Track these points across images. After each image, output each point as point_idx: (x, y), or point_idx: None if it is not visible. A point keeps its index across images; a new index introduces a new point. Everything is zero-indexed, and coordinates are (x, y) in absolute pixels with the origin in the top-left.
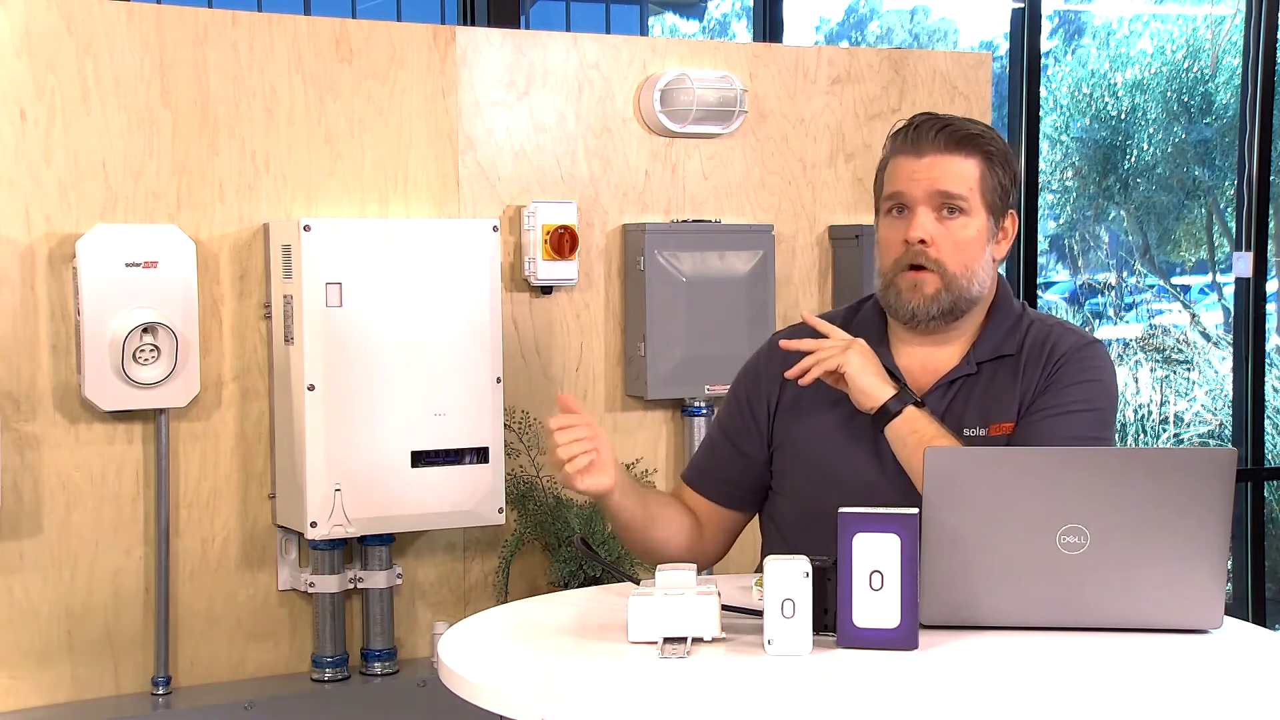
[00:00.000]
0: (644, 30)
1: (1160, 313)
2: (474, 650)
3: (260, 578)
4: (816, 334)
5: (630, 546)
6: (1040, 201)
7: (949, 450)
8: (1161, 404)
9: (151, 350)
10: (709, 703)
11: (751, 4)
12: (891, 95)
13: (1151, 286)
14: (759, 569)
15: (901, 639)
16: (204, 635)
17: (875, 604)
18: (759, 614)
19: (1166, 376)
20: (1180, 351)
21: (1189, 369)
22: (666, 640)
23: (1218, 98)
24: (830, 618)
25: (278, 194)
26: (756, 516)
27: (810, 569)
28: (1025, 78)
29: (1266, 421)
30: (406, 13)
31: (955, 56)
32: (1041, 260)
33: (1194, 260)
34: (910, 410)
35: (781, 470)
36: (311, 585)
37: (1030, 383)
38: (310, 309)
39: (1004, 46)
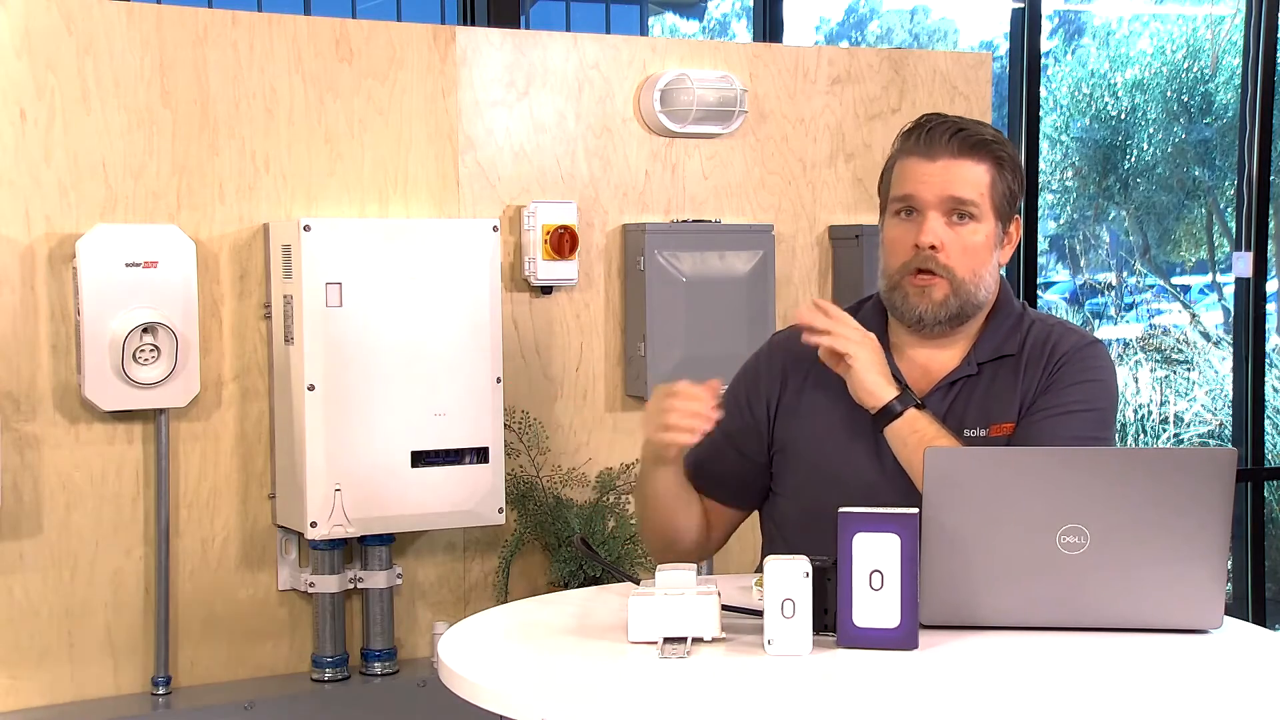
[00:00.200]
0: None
1: (1160, 313)
2: (474, 650)
3: (260, 578)
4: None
5: (648, 527)
6: (1040, 201)
7: (949, 450)
8: (1161, 404)
9: (151, 350)
10: (709, 703)
11: (751, 4)
12: (891, 95)
13: (1151, 286)
14: (759, 569)
15: (901, 639)
16: (204, 635)
17: (875, 604)
18: (759, 614)
19: (1166, 376)
20: (1180, 351)
21: (1189, 369)
22: (666, 640)
23: (1218, 98)
24: (830, 618)
25: (278, 194)
26: (757, 517)
27: (810, 569)
28: (1025, 78)
29: (1266, 421)
30: (406, 13)
31: (955, 56)
32: (1041, 260)
33: (1194, 260)
34: (911, 411)
35: (782, 470)
36: (311, 585)
37: (1031, 383)
38: (310, 309)
39: (1004, 46)
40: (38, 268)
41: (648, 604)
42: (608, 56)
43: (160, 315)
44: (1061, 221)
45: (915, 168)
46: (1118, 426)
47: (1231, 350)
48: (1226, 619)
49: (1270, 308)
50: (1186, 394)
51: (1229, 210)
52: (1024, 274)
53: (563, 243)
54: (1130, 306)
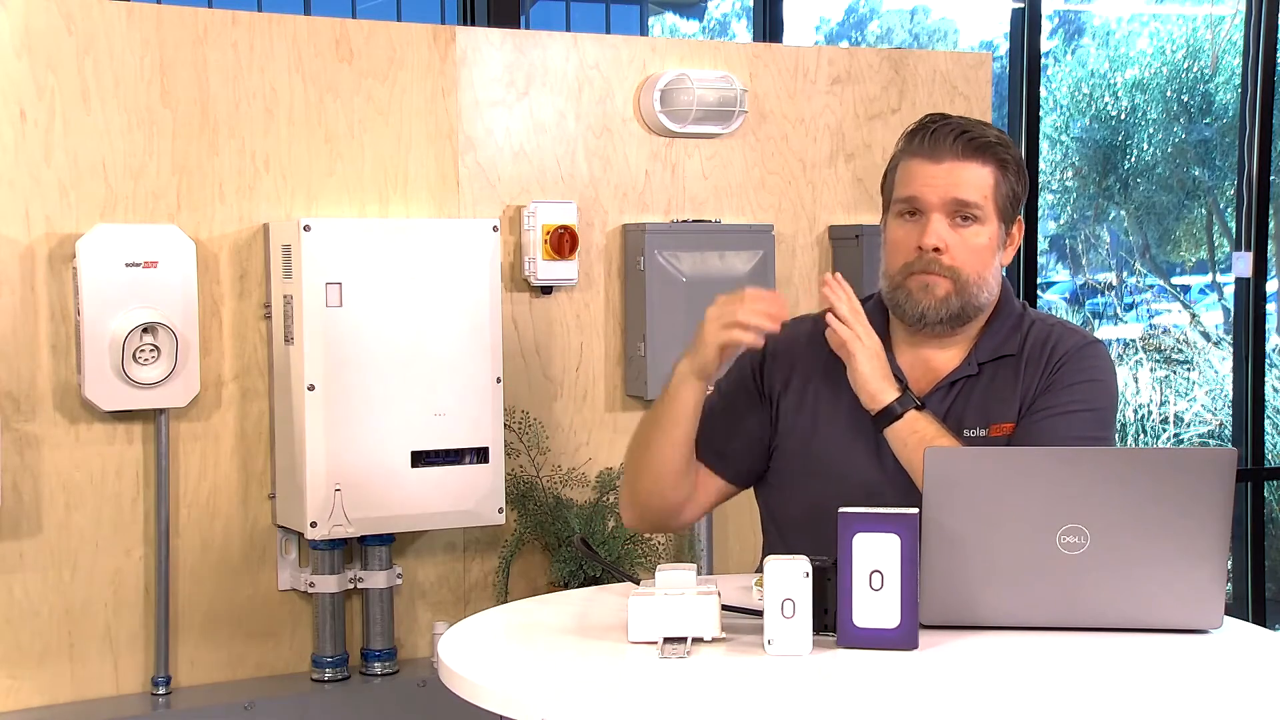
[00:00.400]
0: (644, 30)
1: (1160, 313)
2: (474, 650)
3: (260, 578)
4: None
5: (641, 463)
6: (1040, 201)
7: (949, 450)
8: (1161, 404)
9: (151, 350)
10: (709, 703)
11: (751, 4)
12: (891, 95)
13: (1151, 286)
14: (759, 569)
15: (901, 639)
16: (204, 635)
17: (875, 604)
18: (759, 614)
19: (1166, 376)
20: (1180, 351)
21: (1189, 369)
22: (666, 640)
23: (1218, 98)
24: (830, 618)
25: (278, 194)
26: (758, 517)
27: (810, 569)
28: (1025, 78)
29: (1266, 421)
30: (406, 13)
31: (955, 56)
32: (1042, 260)
33: (1194, 260)
34: (912, 412)
35: (780, 464)
36: (311, 585)
37: (1031, 382)
38: (310, 309)
39: (1004, 46)
40: (38, 268)
41: (648, 604)
42: (608, 56)
43: (160, 315)
44: (1062, 221)
45: (919, 169)
46: (1118, 426)
47: (1231, 350)
48: (1226, 619)
49: (1270, 308)
50: (1186, 394)
51: (1229, 210)
52: (1024, 274)
53: (563, 243)
54: (1130, 306)
